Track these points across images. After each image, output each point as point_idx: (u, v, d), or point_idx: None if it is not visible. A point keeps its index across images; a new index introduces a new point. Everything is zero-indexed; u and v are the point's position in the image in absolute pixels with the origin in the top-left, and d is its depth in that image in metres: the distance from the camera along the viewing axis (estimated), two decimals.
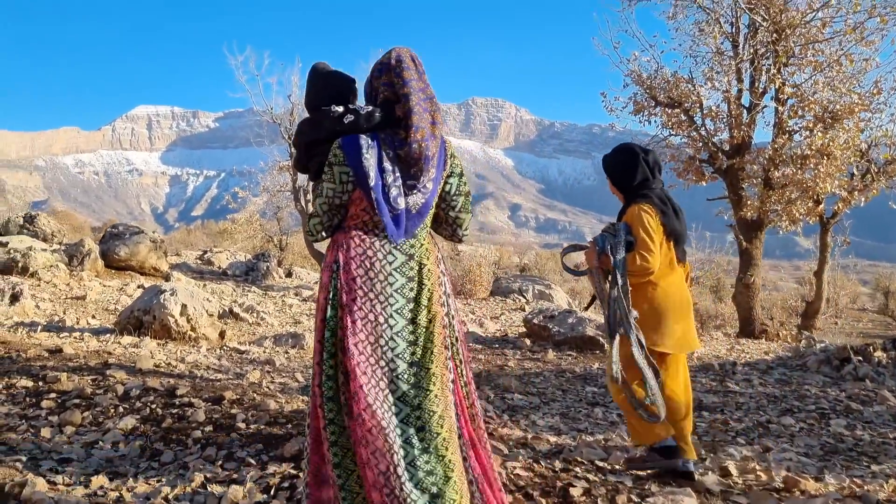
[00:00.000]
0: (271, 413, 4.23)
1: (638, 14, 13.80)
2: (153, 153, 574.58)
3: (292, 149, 13.71)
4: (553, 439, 4.18)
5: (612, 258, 3.36)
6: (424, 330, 2.49)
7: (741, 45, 11.86)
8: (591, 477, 3.42)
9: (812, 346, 7.92)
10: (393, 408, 2.38)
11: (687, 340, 3.51)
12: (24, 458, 3.37)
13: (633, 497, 3.14)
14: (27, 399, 4.40)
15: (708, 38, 11.74)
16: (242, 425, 4.00)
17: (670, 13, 12.31)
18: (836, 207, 12.35)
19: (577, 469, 3.56)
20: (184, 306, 7.25)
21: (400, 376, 2.42)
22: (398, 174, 2.47)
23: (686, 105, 11.92)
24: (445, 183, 2.60)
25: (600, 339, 8.18)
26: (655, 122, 12.52)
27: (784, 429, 4.79)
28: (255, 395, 4.73)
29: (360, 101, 2.75)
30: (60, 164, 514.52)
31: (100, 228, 30.83)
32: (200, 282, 12.60)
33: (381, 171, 2.44)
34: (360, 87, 2.84)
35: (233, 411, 4.25)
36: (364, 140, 2.45)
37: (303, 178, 14.33)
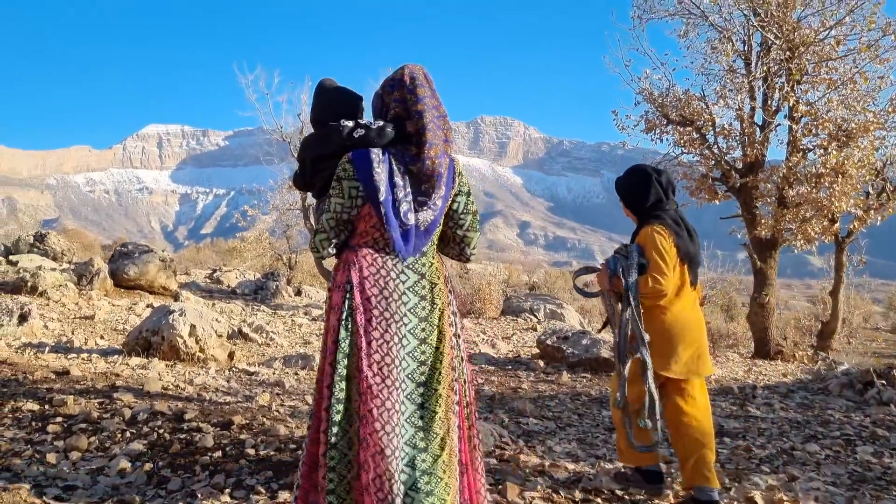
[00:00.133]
0: (281, 439, 4.12)
1: (649, 32, 13.80)
2: (163, 171, 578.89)
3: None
4: (571, 467, 4.05)
5: (623, 280, 3.29)
6: (434, 350, 2.46)
7: (754, 63, 11.78)
8: None
9: (833, 369, 7.75)
10: (399, 429, 2.34)
11: (697, 365, 3.42)
12: (28, 486, 3.28)
13: None
14: (33, 423, 4.31)
15: (720, 56, 11.67)
16: (252, 451, 3.90)
17: (682, 31, 12.26)
18: (851, 226, 12.19)
19: (598, 499, 3.44)
20: (193, 327, 7.17)
21: (409, 396, 2.39)
22: (409, 190, 2.44)
23: (698, 123, 11.83)
24: (453, 201, 2.57)
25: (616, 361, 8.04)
26: (667, 140, 12.45)
27: (809, 456, 4.64)
28: (264, 419, 4.63)
29: (367, 118, 2.72)
30: (71, 182, 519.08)
31: (110, 246, 30.92)
32: (210, 301, 12.54)
33: (392, 185, 2.41)
34: (367, 104, 2.82)
35: (242, 437, 4.14)
36: (375, 154, 2.42)
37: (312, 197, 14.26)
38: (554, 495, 3.45)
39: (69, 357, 6.92)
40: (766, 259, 12.03)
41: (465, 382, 2.57)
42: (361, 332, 2.39)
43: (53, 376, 5.66)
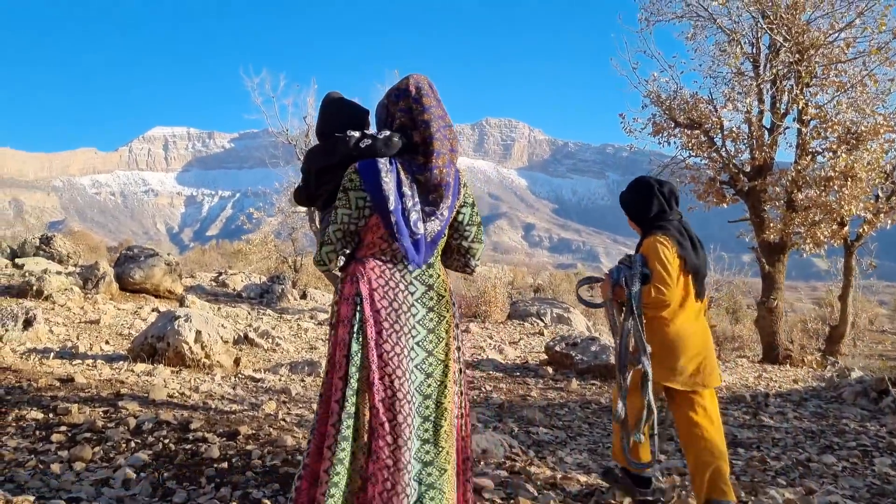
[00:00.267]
0: (288, 450, 4.06)
1: (657, 35, 13.71)
2: (169, 173, 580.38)
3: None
4: (583, 479, 3.98)
5: (626, 290, 3.28)
6: (440, 363, 2.45)
7: (762, 66, 11.69)
8: None
9: (846, 377, 7.65)
10: (410, 443, 2.32)
11: (703, 377, 3.39)
12: (32, 498, 3.23)
13: None
14: (37, 432, 4.26)
15: (729, 59, 11.58)
16: (258, 462, 3.83)
17: (690, 34, 12.19)
18: (860, 230, 12.09)
19: None
20: (198, 333, 7.12)
21: (418, 409, 2.38)
22: (417, 199, 2.42)
23: (706, 126, 11.76)
24: (458, 213, 2.55)
25: None
26: (675, 143, 12.37)
27: (826, 468, 4.55)
28: (271, 429, 4.57)
29: (372, 131, 2.70)
30: (77, 184, 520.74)
31: (116, 248, 30.96)
32: (215, 304, 12.49)
33: (401, 195, 2.38)
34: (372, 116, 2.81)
35: (248, 447, 4.08)
36: (382, 164, 2.39)
37: None
38: None
39: (74, 363, 6.87)
40: (775, 263, 11.94)
41: (461, 394, 2.57)
42: (372, 344, 2.38)
43: (58, 384, 5.61)
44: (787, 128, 11.77)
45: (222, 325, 7.64)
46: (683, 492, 3.70)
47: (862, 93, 10.83)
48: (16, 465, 3.72)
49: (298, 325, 11.35)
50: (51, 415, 4.57)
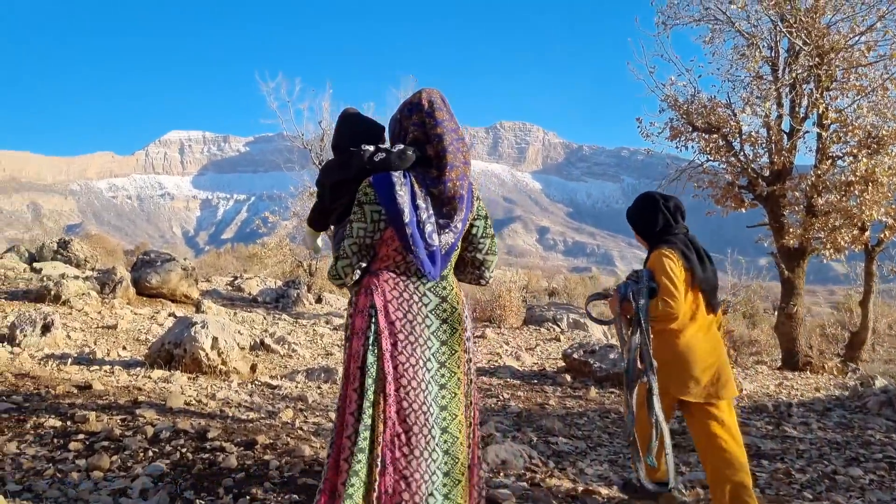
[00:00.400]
0: (306, 460, 4.03)
1: (674, 38, 13.56)
2: (185, 177, 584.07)
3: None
4: (605, 492, 3.92)
5: (634, 304, 3.29)
6: (453, 375, 2.46)
7: (781, 70, 11.56)
8: None
9: (869, 385, 7.53)
10: (426, 454, 2.32)
11: (717, 388, 3.36)
12: None
13: None
14: (55, 440, 4.26)
15: (748, 63, 11.46)
16: (276, 473, 3.81)
17: (707, 37, 12.08)
18: (882, 235, 11.92)
19: None
20: (215, 339, 7.11)
21: (435, 422, 2.37)
22: (431, 212, 2.43)
23: (724, 130, 11.64)
24: (472, 225, 2.57)
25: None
26: (692, 147, 12.26)
27: (853, 481, 4.46)
28: (288, 438, 4.54)
29: (387, 145, 2.72)
30: (95, 188, 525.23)
31: (133, 252, 31.14)
32: (231, 309, 12.51)
33: (415, 207, 2.40)
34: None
35: (266, 457, 4.06)
36: (396, 177, 2.40)
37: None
38: None
39: (91, 369, 6.88)
40: (794, 268, 11.80)
41: (470, 404, 2.57)
42: (388, 356, 2.38)
43: (75, 391, 5.61)
44: (807, 132, 11.63)
45: (238, 332, 7.64)
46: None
47: (883, 97, 10.68)
48: (34, 473, 3.72)
49: (314, 330, 11.35)
50: (69, 422, 4.57)
